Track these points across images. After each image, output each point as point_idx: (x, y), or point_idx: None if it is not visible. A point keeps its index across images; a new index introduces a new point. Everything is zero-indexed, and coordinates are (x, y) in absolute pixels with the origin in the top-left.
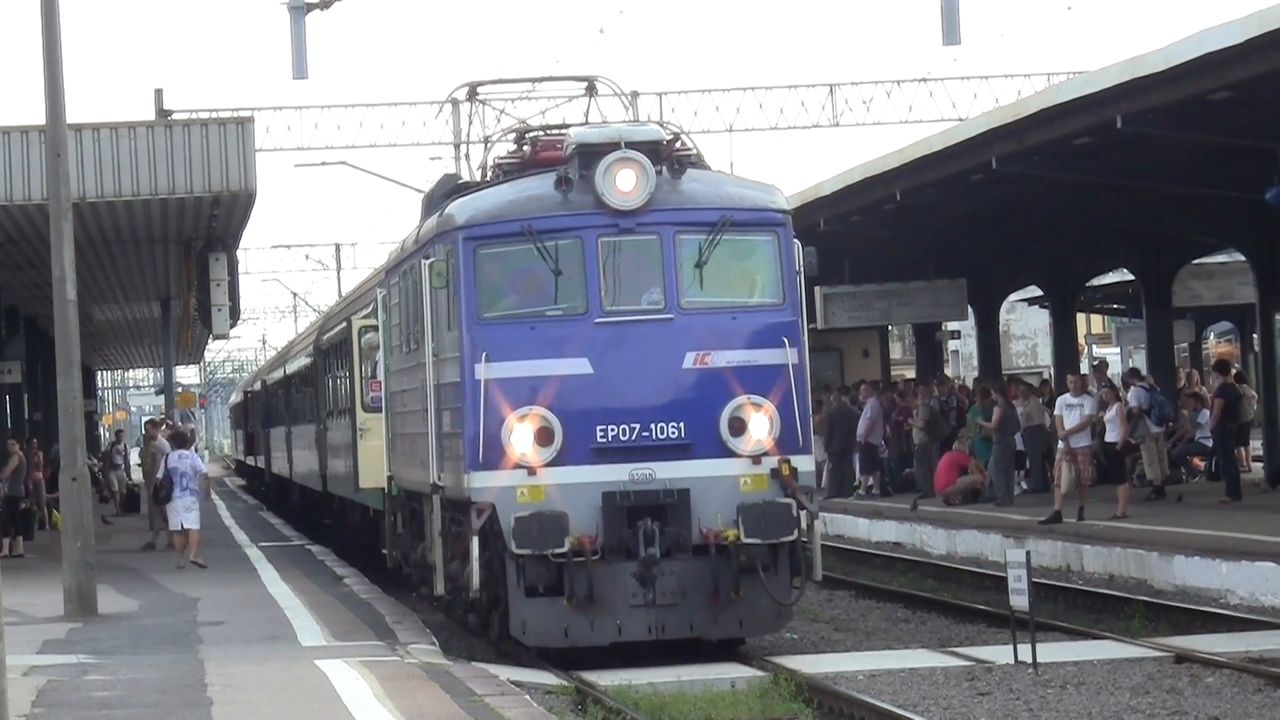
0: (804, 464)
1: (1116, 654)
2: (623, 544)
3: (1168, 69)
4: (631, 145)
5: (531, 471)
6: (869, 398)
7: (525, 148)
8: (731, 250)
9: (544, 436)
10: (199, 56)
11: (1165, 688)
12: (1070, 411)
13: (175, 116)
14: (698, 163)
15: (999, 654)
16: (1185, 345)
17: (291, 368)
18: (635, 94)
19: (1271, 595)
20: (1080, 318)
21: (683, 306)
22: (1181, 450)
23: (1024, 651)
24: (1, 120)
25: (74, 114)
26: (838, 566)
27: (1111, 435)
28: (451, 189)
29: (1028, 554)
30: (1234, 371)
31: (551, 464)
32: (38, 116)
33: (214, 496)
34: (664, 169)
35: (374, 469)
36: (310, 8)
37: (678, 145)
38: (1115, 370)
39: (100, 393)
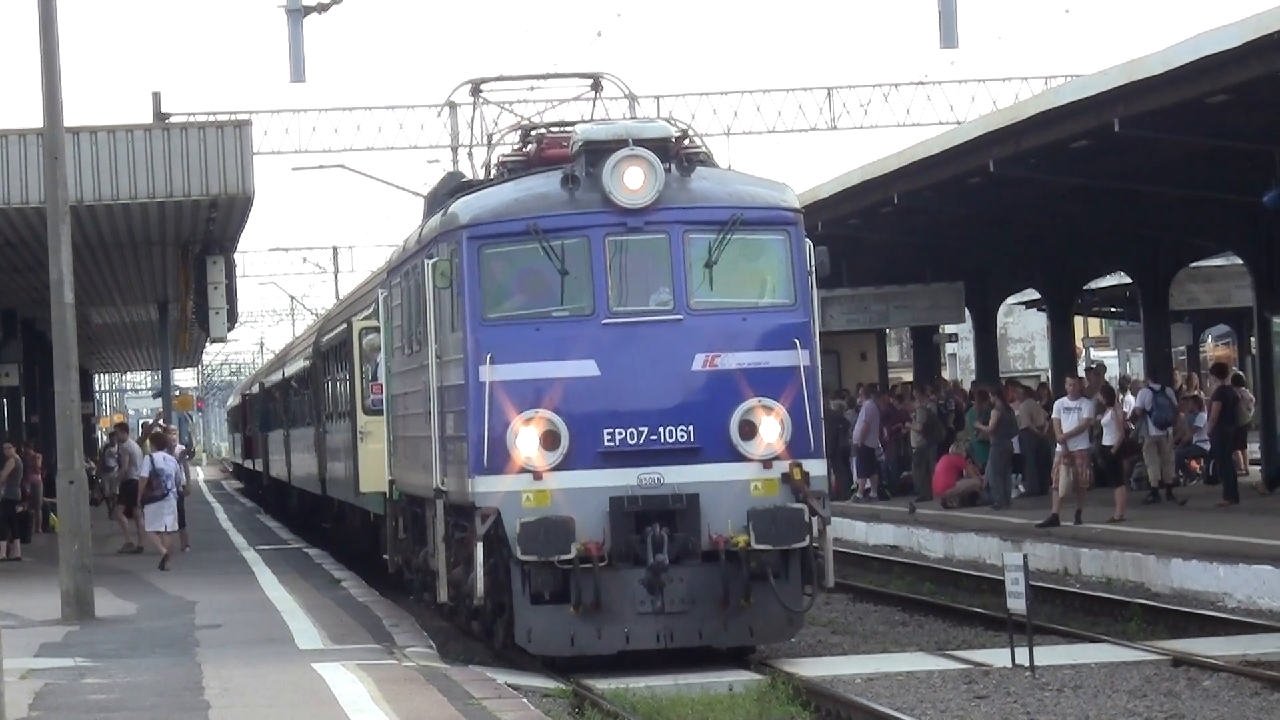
0: (816, 468)
1: (1114, 657)
2: (630, 550)
3: (1165, 72)
4: (639, 142)
5: (537, 476)
6: (864, 401)
7: (530, 145)
8: (742, 250)
9: (550, 440)
10: (197, 59)
11: (1163, 691)
12: (1068, 415)
13: (173, 119)
14: (706, 160)
15: (996, 657)
16: (1183, 348)
17: (290, 370)
18: (634, 97)
19: (1269, 598)
20: (1078, 321)
21: (692, 307)
22: (1179, 453)
23: (1021, 655)
24: None
25: (72, 117)
26: (835, 569)
27: (1108, 438)
28: (455, 187)
29: (1025, 557)
30: (1232, 375)
31: (558, 468)
32: (35, 119)
33: (211, 499)
34: (672, 167)
35: (375, 473)
36: (308, 11)
37: (686, 142)
38: (1113, 374)
39: (98, 396)
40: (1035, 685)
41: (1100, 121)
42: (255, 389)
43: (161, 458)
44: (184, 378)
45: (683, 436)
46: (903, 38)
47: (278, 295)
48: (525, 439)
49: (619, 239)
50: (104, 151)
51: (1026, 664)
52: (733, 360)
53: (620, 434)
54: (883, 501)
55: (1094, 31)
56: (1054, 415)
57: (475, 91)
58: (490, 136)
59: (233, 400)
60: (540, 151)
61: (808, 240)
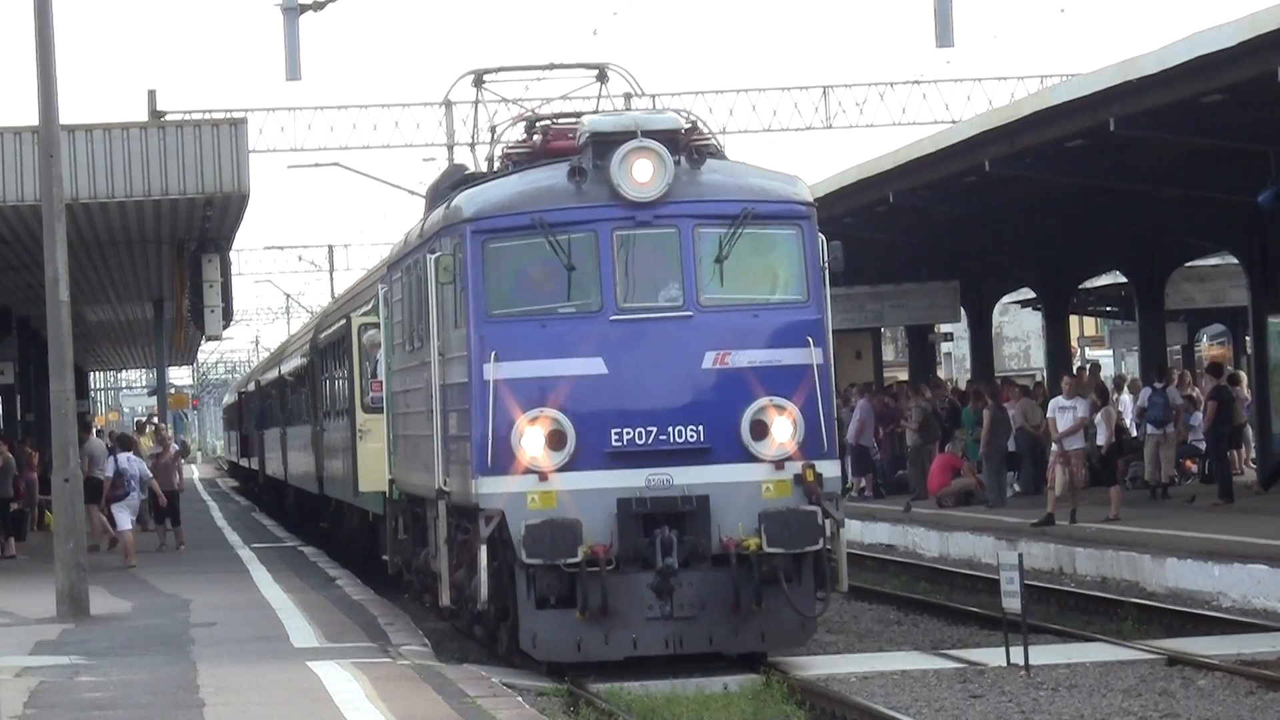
0: (829, 470)
1: (1109, 656)
2: (638, 553)
3: (1161, 71)
4: (648, 134)
5: (543, 477)
6: (858, 399)
7: (535, 137)
8: (753, 244)
9: (556, 440)
10: (192, 57)
11: (1157, 690)
12: (1063, 414)
13: (168, 117)
14: (716, 153)
15: (991, 656)
16: (1178, 348)
17: (287, 367)
18: (629, 96)
19: (1263, 598)
20: (1073, 320)
21: (702, 304)
22: (1175, 452)
23: (1016, 654)
24: None
25: (67, 115)
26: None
27: (1100, 438)
28: (458, 180)
29: (1020, 556)
30: (1227, 374)
31: (564, 469)
32: (31, 117)
33: (206, 497)
34: (682, 159)
35: (374, 472)
36: (303, 9)
37: (695, 135)
38: (1108, 373)
39: (93, 394)
40: (1030, 684)
41: (1095, 121)
42: (251, 387)
43: (126, 458)
44: (179, 376)
45: (692, 436)
46: (898, 37)
47: (273, 293)
48: (530, 439)
49: (627, 233)
50: (99, 149)
51: (1021, 663)
52: (744, 358)
53: (628, 434)
54: (878, 500)
55: (1089, 31)
56: (1049, 415)
57: (477, 83)
58: (494, 129)
59: (228, 398)
60: (546, 143)
61: (821, 235)
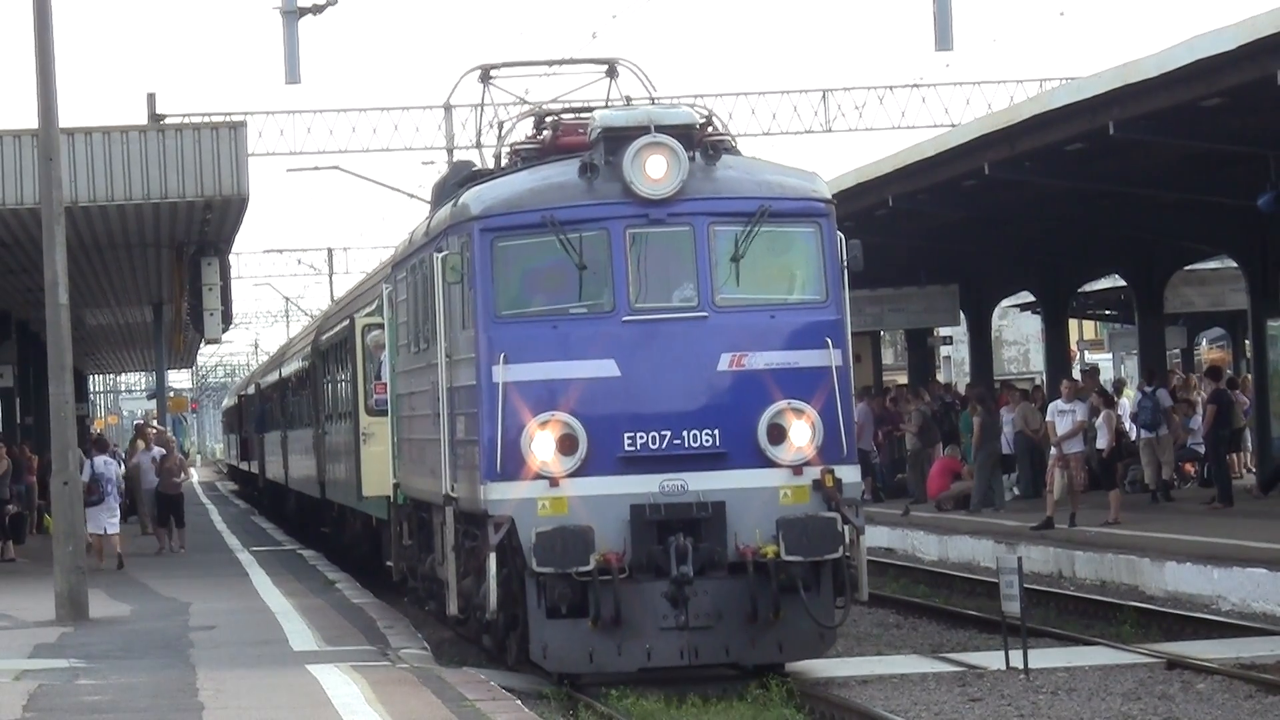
0: (849, 475)
1: (1108, 660)
2: (652, 561)
3: (1160, 75)
4: (662, 129)
5: (554, 482)
6: (857, 403)
7: (545, 133)
8: (770, 243)
9: (567, 444)
10: (192, 61)
11: (1156, 694)
12: (1062, 418)
13: (168, 121)
14: (731, 149)
15: (991, 659)
16: (1177, 351)
17: (288, 370)
18: (629, 99)
19: (1262, 601)
20: (1072, 324)
21: (717, 304)
22: (1174, 454)
23: (1015, 657)
24: None
25: (66, 118)
26: None
27: (1100, 441)
28: (465, 177)
29: (1019, 560)
30: (1226, 378)
31: (575, 474)
32: (30, 120)
33: (205, 500)
34: (697, 155)
35: (378, 476)
36: (303, 13)
37: (710, 130)
38: (1107, 377)
39: (92, 397)
40: (1029, 688)
41: (1095, 124)
42: (251, 390)
43: (102, 462)
44: (178, 379)
45: (708, 441)
46: (898, 40)
47: (273, 297)
48: (541, 443)
49: (640, 231)
50: (99, 153)
51: (1020, 666)
52: (760, 360)
53: (641, 438)
54: (877, 504)
55: (1089, 34)
56: (1048, 418)
57: (484, 79)
58: (501, 125)
59: (228, 401)
60: (556, 139)
61: (839, 233)
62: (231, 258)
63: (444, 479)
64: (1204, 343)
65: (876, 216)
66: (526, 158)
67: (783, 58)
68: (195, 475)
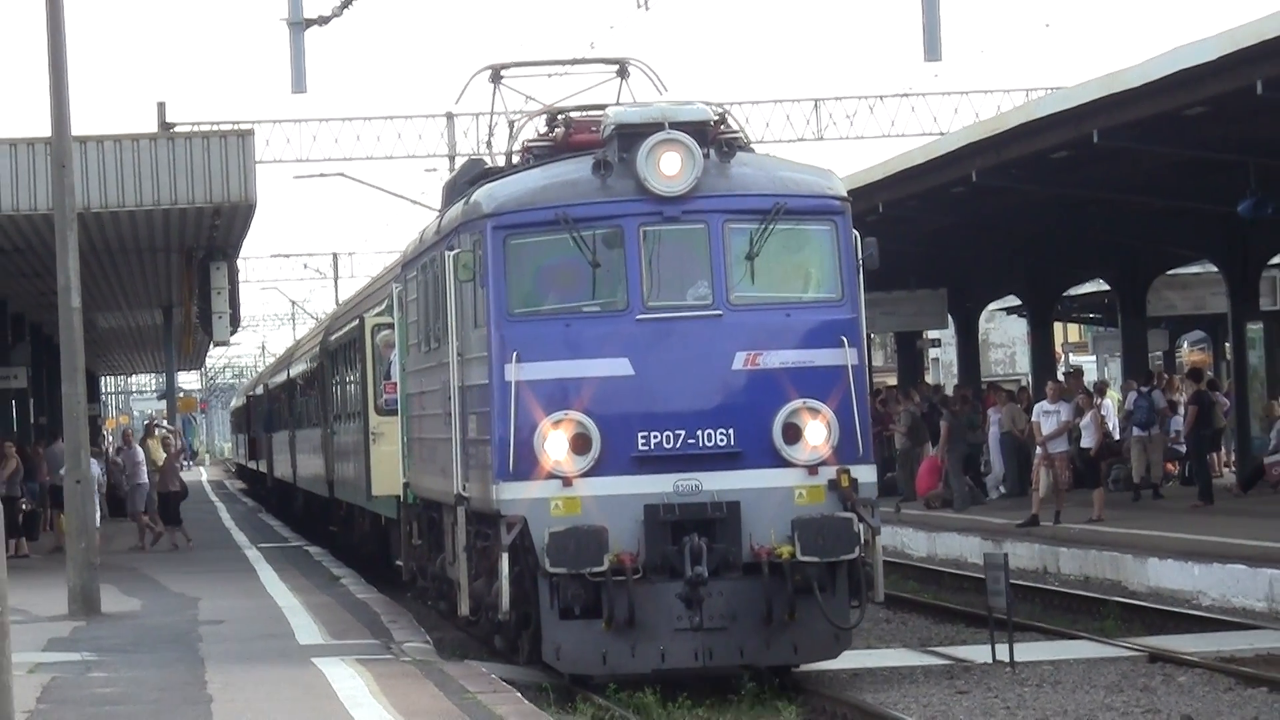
0: (865, 475)
1: (1092, 653)
2: (666, 562)
3: (1143, 85)
4: (676, 126)
5: (567, 482)
6: None
7: (557, 130)
8: (785, 241)
9: (580, 444)
10: (201, 71)
11: (1139, 686)
12: (1047, 418)
13: (177, 129)
14: (745, 146)
15: (978, 653)
16: (1159, 354)
17: (296, 370)
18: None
19: (1242, 597)
20: (1057, 327)
21: (732, 302)
22: (1162, 453)
23: (1002, 651)
24: (8, 132)
25: (79, 126)
26: None
27: (1087, 441)
28: (477, 174)
29: (1006, 556)
30: (1207, 379)
31: (588, 474)
32: (43, 128)
33: (214, 498)
34: (711, 152)
35: (388, 475)
36: (309, 24)
37: (724, 127)
38: (1091, 378)
39: (104, 398)
40: (1015, 680)
41: (1080, 133)
42: (259, 390)
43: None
44: (188, 380)
45: (722, 440)
46: (888, 51)
47: (279, 300)
48: (554, 442)
49: (654, 229)
50: (110, 160)
51: (1007, 660)
52: (776, 359)
53: (655, 437)
54: None
55: (1074, 45)
56: (1034, 419)
57: (495, 79)
58: (512, 124)
59: (236, 402)
60: (568, 136)
61: (855, 231)
62: (239, 262)
63: (455, 478)
64: (1185, 345)
65: (867, 222)
66: (539, 155)
67: (776, 68)
68: (204, 474)
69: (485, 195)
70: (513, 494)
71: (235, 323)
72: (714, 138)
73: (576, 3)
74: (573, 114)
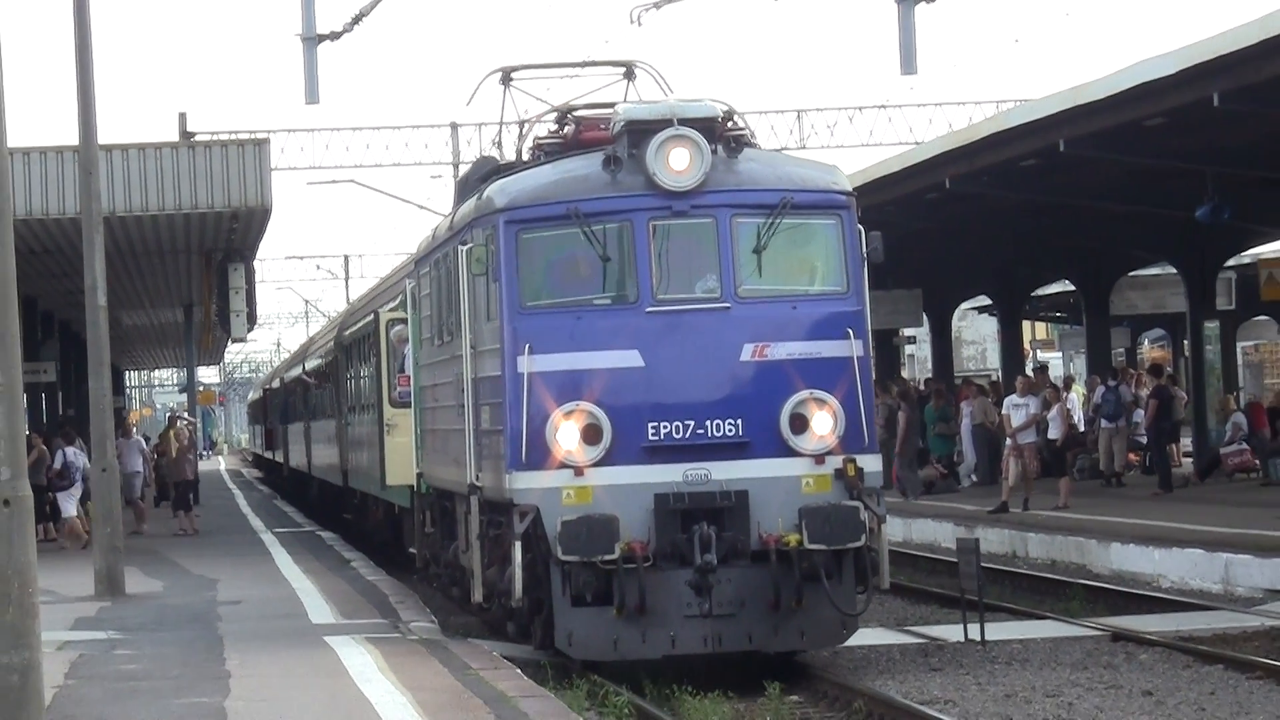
0: (870, 464)
1: (1058, 633)
2: (676, 550)
3: (1107, 97)
4: (684, 122)
5: (578, 472)
6: None
7: (567, 128)
8: (792, 235)
9: (591, 434)
10: (220, 83)
11: (1102, 663)
12: (1017, 411)
13: (197, 138)
14: (751, 143)
15: (950, 632)
16: (1122, 350)
17: (311, 364)
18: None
19: (1199, 579)
20: (1026, 325)
21: (740, 295)
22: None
23: (973, 630)
24: (38, 141)
25: (104, 135)
26: None
27: (1054, 432)
28: (488, 171)
29: (977, 541)
30: (1166, 375)
31: (599, 464)
32: (71, 137)
33: (232, 486)
34: (719, 148)
35: (402, 466)
36: (321, 39)
37: (730, 124)
38: (1057, 374)
39: (128, 391)
40: (986, 658)
41: (1047, 142)
42: (275, 384)
43: (72, 452)
44: (207, 374)
45: (731, 430)
46: (867, 65)
47: (293, 299)
48: (565, 433)
49: (664, 223)
50: (134, 167)
51: (978, 639)
52: (783, 350)
53: (665, 428)
54: None
55: (1041, 60)
56: (1004, 411)
57: (505, 80)
58: (522, 123)
59: (253, 395)
60: (578, 133)
61: (860, 225)
62: (256, 263)
63: (469, 468)
64: (1146, 342)
65: None
66: (549, 152)
67: (761, 80)
68: (222, 463)
69: (498, 190)
70: (525, 483)
71: (252, 320)
72: (721, 134)
73: (572, 19)
74: (582, 112)
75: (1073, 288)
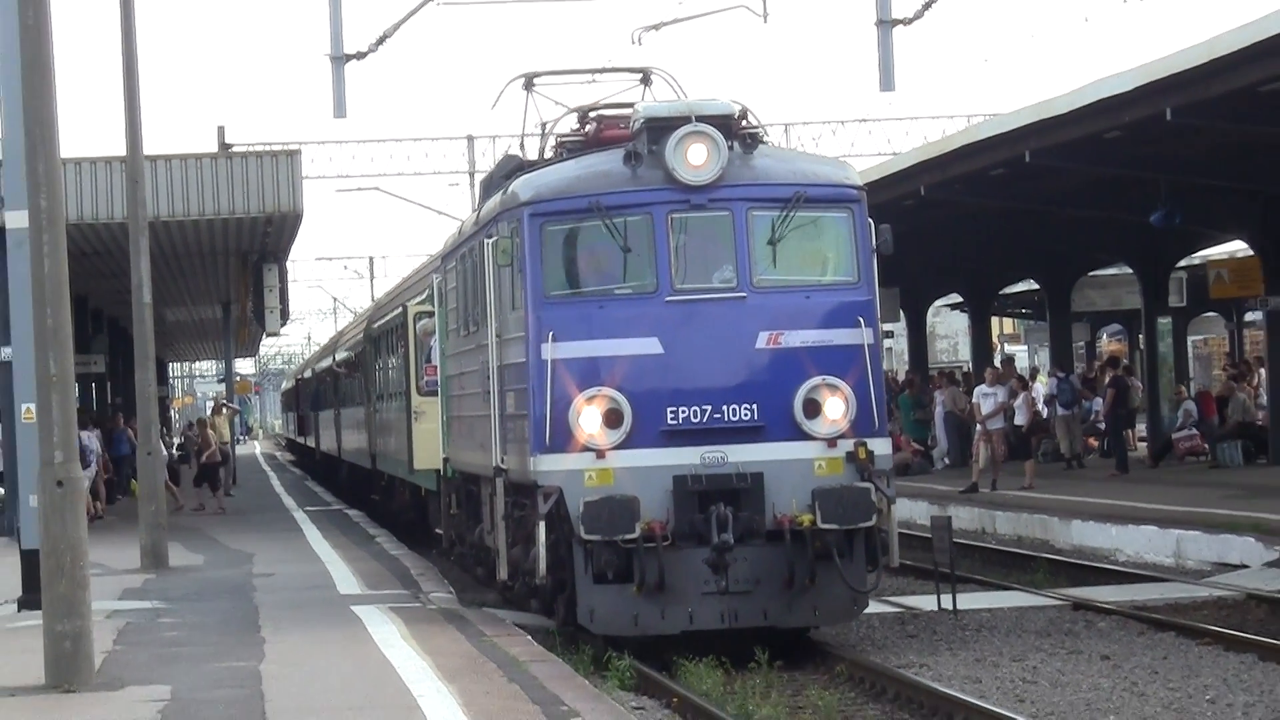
0: (880, 447)
1: (1023, 602)
2: (694, 530)
3: (1070, 112)
4: (702, 119)
5: (600, 454)
6: None
7: (589, 126)
8: (805, 227)
9: (613, 418)
10: (255, 99)
11: (1064, 630)
12: (986, 399)
13: (235, 149)
14: (765, 140)
15: (925, 603)
16: (1082, 344)
17: (341, 355)
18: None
19: (1153, 553)
20: (994, 320)
21: (755, 285)
22: (1081, 429)
23: (946, 600)
24: (88, 152)
25: (149, 147)
26: None
27: (1020, 419)
28: (513, 168)
29: (949, 519)
30: (1123, 366)
31: (620, 446)
32: (119, 148)
33: (266, 469)
34: (735, 144)
35: (429, 450)
36: (349, 58)
37: (746, 121)
38: (1023, 365)
39: (171, 381)
40: (957, 626)
41: (1014, 153)
42: (308, 374)
43: (86, 436)
44: (244, 365)
45: (746, 415)
46: (849, 82)
47: (322, 297)
48: (588, 417)
49: (682, 216)
50: (176, 176)
51: (950, 608)
52: (796, 338)
53: (684, 412)
54: None
55: (1009, 77)
56: (974, 400)
57: (528, 85)
58: (544, 124)
59: (286, 384)
60: (599, 131)
61: (870, 218)
62: (288, 264)
63: (494, 452)
64: (1104, 336)
65: None
66: (571, 150)
67: (750, 95)
68: (258, 447)
69: (523, 185)
70: (549, 465)
71: (284, 316)
72: (737, 131)
73: (579, 39)
74: (603, 111)
75: (1037, 286)
